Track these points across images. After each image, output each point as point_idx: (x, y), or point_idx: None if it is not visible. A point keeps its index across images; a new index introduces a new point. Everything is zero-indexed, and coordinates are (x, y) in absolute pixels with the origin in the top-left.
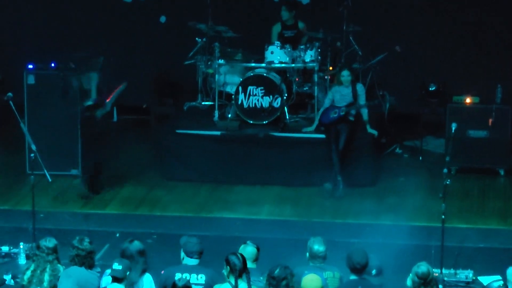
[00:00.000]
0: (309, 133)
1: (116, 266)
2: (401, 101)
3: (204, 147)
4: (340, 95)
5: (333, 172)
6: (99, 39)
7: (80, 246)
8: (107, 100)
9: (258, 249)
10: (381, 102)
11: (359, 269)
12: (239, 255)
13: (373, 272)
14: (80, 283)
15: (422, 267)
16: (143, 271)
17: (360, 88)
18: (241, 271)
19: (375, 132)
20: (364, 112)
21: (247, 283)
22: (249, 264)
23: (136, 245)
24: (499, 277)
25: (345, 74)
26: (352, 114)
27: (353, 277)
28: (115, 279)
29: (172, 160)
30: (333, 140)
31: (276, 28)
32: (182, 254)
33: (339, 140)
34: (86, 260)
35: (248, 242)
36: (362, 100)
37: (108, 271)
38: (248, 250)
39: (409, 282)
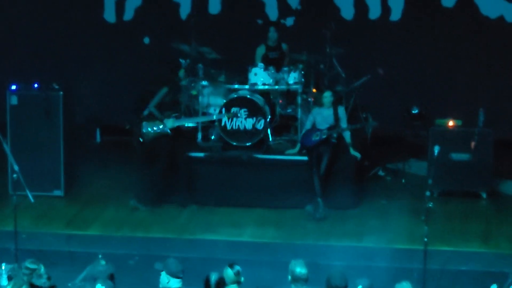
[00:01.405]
0: (292, 155)
1: (99, 287)
2: (384, 124)
3: (188, 166)
4: (321, 117)
5: (314, 195)
6: (82, 58)
7: (37, 282)
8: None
9: (238, 272)
10: (364, 125)
11: None
12: (217, 276)
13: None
14: None
15: (405, 286)
16: None
17: (341, 111)
18: None
19: (357, 155)
20: (347, 135)
21: None
22: (232, 287)
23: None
24: None
25: (327, 95)
26: (334, 136)
27: None
28: None
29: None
30: (315, 162)
31: (260, 50)
32: (166, 278)
33: (320, 162)
34: None
35: (230, 265)
36: (344, 123)
37: None
38: (228, 273)
39: None
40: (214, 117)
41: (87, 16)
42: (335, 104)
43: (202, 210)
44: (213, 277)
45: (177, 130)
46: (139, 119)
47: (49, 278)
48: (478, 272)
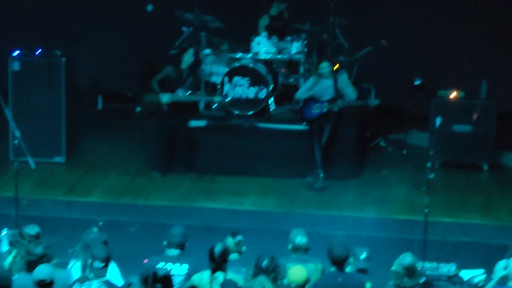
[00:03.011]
0: (294, 125)
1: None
2: (386, 95)
3: (189, 137)
4: (321, 87)
5: (315, 165)
6: (85, 25)
7: (33, 250)
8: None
9: (239, 242)
10: (365, 103)
11: (339, 262)
12: (221, 247)
13: (363, 256)
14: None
15: (408, 258)
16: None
17: (344, 78)
18: (218, 263)
19: (376, 102)
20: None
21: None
22: (233, 256)
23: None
24: (481, 271)
25: (325, 66)
26: (335, 110)
27: (333, 269)
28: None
29: (154, 149)
30: (316, 133)
31: (264, 21)
32: (165, 242)
33: (322, 133)
34: (37, 265)
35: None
36: (350, 92)
37: (74, 261)
38: (229, 242)
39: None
40: (200, 97)
41: None
42: (335, 75)
43: (203, 178)
44: (218, 248)
45: (176, 103)
46: (141, 91)
47: (47, 247)
48: (478, 243)
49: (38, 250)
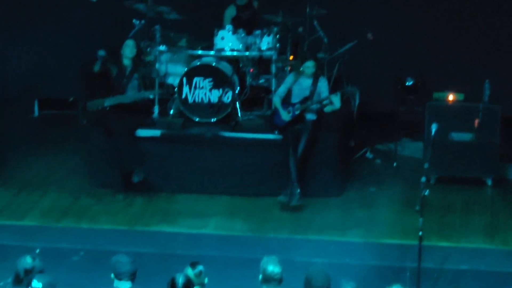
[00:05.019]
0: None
1: (36, 284)
2: (373, 98)
3: (141, 148)
4: (299, 87)
5: (289, 180)
6: (17, 22)
7: None
8: None
9: (200, 273)
10: (344, 91)
11: None
12: (184, 279)
13: None
14: None
15: None
16: None
17: (323, 83)
18: None
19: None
20: (331, 97)
21: None
22: None
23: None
24: None
25: (310, 65)
26: (313, 110)
27: None
28: None
29: (103, 164)
30: (291, 142)
31: (230, 12)
32: (112, 275)
33: (298, 143)
34: None
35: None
36: (324, 94)
37: None
38: (189, 274)
39: None
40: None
41: None
42: (316, 75)
43: (159, 197)
44: (180, 280)
45: (123, 106)
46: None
47: None
48: (481, 272)
49: None
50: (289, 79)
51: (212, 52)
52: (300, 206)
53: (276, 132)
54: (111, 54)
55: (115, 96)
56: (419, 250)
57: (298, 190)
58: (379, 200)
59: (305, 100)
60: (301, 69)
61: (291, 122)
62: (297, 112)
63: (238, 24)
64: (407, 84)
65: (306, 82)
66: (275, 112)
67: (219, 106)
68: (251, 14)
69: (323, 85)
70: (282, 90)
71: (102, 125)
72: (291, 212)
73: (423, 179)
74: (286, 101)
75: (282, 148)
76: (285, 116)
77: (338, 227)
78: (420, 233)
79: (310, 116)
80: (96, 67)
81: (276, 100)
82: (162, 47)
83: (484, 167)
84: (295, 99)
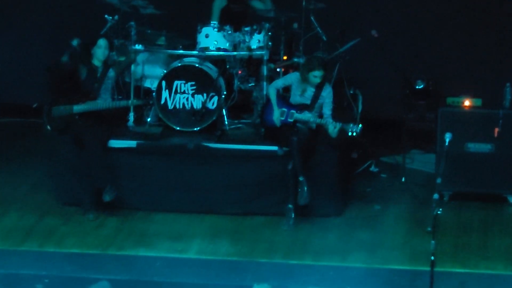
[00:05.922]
0: (255, 145)
1: None
2: (379, 103)
3: (113, 161)
4: (300, 92)
5: (289, 196)
6: None
7: None
8: None
9: None
10: (344, 128)
11: None
12: None
13: None
14: None
15: None
16: None
17: (328, 93)
18: None
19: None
20: (329, 124)
21: None
22: None
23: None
24: None
25: (318, 75)
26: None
27: None
28: None
29: (71, 179)
30: (288, 144)
31: (219, 3)
32: None
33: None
34: None
35: None
36: (327, 109)
37: None
38: None
39: None
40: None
41: None
42: (320, 85)
43: (134, 216)
44: None
45: (94, 113)
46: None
47: None
48: None
49: None
50: (292, 78)
51: (195, 52)
52: (291, 226)
53: (263, 130)
54: (81, 50)
55: (85, 103)
56: (431, 277)
57: (293, 209)
58: (384, 220)
59: (303, 108)
60: (306, 75)
61: (283, 127)
62: (289, 120)
63: (227, 17)
64: (416, 87)
65: (309, 90)
66: (267, 105)
67: (202, 113)
68: (243, 7)
69: (327, 96)
70: (280, 83)
71: (70, 135)
72: (285, 233)
73: (436, 196)
74: (286, 101)
75: (274, 160)
76: (277, 116)
77: (338, 251)
78: (432, 257)
79: (300, 126)
80: (65, 58)
81: (272, 92)
82: (138, 46)
83: (505, 182)
84: (294, 98)
